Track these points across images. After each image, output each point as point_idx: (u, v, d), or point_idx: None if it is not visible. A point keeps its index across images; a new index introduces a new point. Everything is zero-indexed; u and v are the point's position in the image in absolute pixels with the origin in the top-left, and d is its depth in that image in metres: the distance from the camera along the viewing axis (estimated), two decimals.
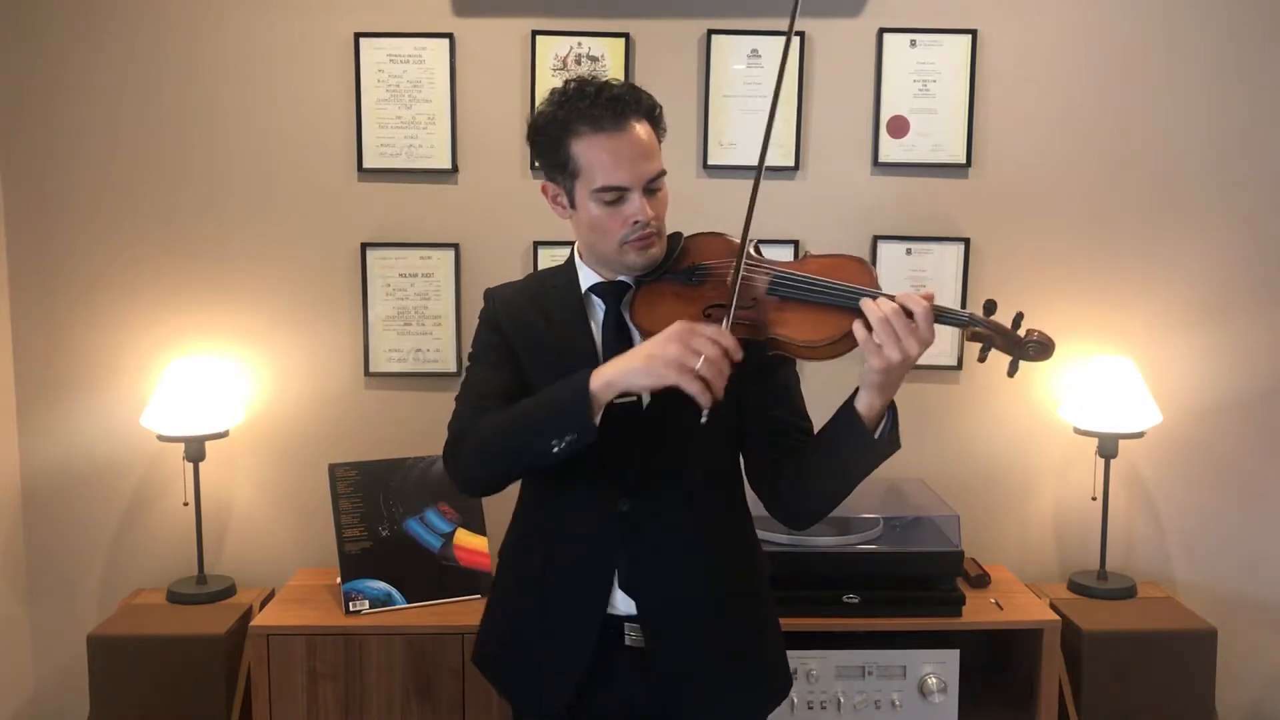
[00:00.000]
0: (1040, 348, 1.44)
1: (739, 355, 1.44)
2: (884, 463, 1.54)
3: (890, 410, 1.50)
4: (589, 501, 1.62)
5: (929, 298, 1.43)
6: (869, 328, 1.43)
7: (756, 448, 1.66)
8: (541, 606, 1.66)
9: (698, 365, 1.40)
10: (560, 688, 1.63)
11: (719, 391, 1.41)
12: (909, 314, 1.41)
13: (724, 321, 1.48)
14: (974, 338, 1.46)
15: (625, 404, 1.59)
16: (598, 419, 1.47)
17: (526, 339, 1.64)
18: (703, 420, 1.42)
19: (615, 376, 1.46)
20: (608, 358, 1.59)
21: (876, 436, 1.49)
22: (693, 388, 1.40)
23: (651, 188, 1.55)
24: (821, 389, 1.74)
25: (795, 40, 2.60)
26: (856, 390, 1.50)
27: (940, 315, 1.44)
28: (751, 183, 1.57)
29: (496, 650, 1.75)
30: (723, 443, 1.67)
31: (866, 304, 1.44)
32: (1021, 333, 1.45)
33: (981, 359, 1.49)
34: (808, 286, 1.52)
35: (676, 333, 1.43)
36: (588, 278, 1.65)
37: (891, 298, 1.44)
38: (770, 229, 2.58)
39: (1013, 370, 1.48)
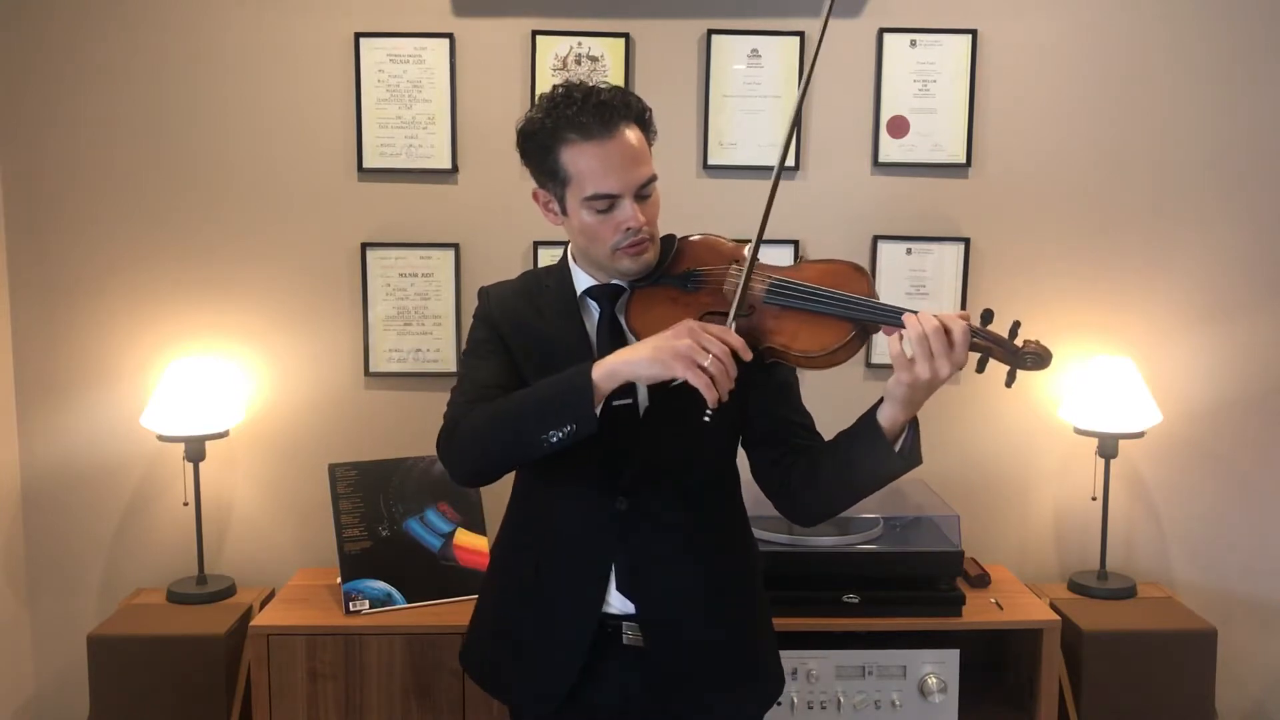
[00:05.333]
0: (1037, 359, 1.42)
1: (748, 355, 1.43)
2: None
3: (912, 424, 1.48)
4: (585, 500, 1.62)
5: (965, 318, 1.41)
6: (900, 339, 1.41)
7: (763, 448, 1.66)
8: (536, 606, 1.66)
9: (706, 362, 1.39)
10: (553, 687, 1.63)
11: (724, 391, 1.40)
12: (948, 333, 1.40)
13: (728, 322, 1.47)
14: (971, 348, 1.44)
15: (620, 407, 1.58)
16: (598, 410, 1.46)
17: (522, 336, 1.64)
18: (706, 419, 1.41)
19: (619, 366, 1.44)
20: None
21: (897, 449, 1.47)
22: (699, 381, 1.39)
23: (643, 193, 1.54)
24: (820, 390, 1.74)
25: (795, 40, 2.60)
26: (880, 401, 1.49)
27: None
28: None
29: (487, 650, 1.74)
30: (721, 442, 1.67)
31: (909, 318, 1.42)
32: (1019, 343, 1.44)
33: (980, 370, 1.47)
34: (805, 295, 1.51)
35: (686, 328, 1.43)
36: (582, 280, 1.64)
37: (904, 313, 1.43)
38: (770, 229, 2.51)
39: (1010, 380, 1.46)
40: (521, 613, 1.68)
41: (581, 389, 1.45)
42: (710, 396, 1.39)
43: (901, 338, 1.42)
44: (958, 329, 1.39)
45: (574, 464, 1.57)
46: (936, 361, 1.39)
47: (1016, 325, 1.45)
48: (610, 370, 1.45)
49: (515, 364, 1.63)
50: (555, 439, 1.46)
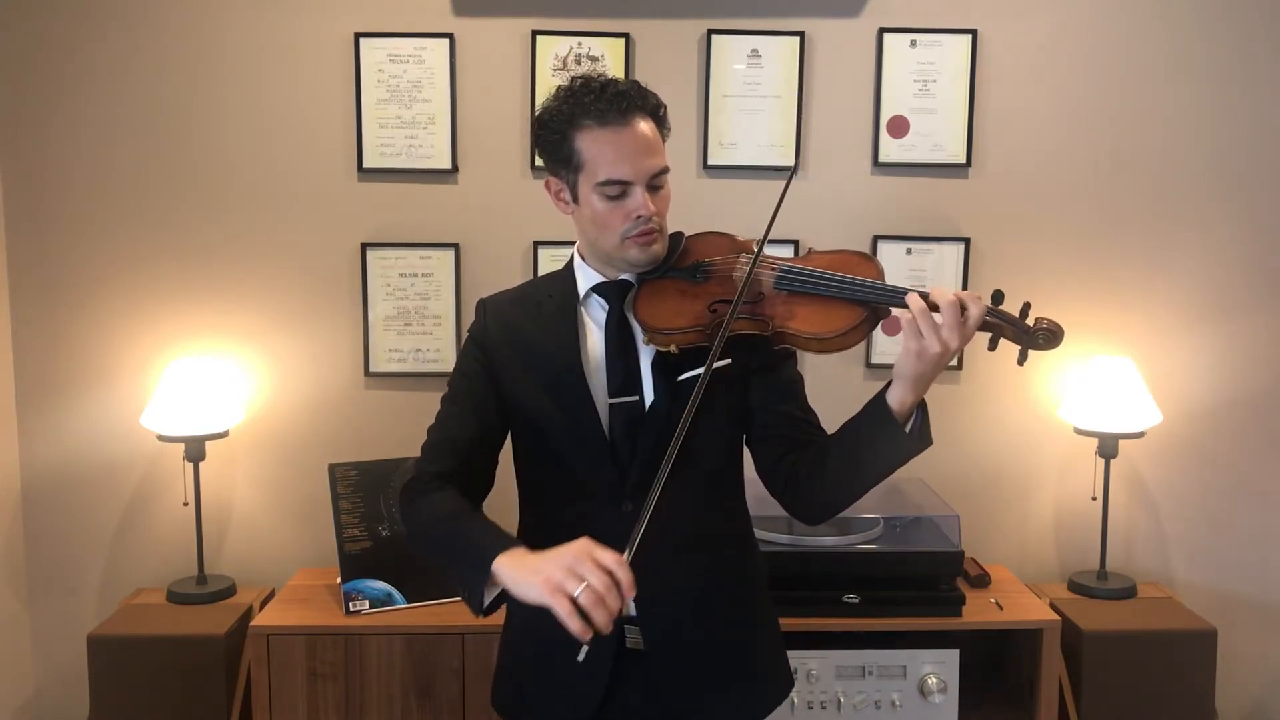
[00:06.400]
0: (1050, 336, 1.43)
1: (632, 592, 1.32)
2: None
3: (921, 405, 1.49)
4: (594, 505, 1.61)
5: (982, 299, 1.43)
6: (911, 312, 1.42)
7: (767, 444, 1.65)
8: (558, 623, 1.65)
9: (576, 592, 1.30)
10: (587, 701, 1.62)
11: (600, 625, 1.29)
12: (963, 309, 1.41)
13: (653, 490, 1.41)
14: (983, 328, 1.45)
15: (627, 404, 1.59)
16: (489, 600, 1.47)
17: (514, 351, 1.65)
18: (579, 658, 1.32)
19: (504, 570, 1.41)
20: (610, 358, 1.61)
21: (907, 431, 1.48)
22: (561, 609, 1.29)
23: (654, 184, 1.56)
24: (822, 387, 1.74)
25: (795, 40, 2.60)
26: (888, 384, 1.49)
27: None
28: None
29: (510, 681, 1.73)
30: (724, 440, 1.67)
31: (931, 291, 1.43)
32: (1030, 321, 1.45)
33: (991, 348, 1.49)
34: (816, 280, 1.53)
35: (570, 554, 1.34)
36: (589, 278, 1.65)
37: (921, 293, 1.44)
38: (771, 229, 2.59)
39: (1022, 359, 1.47)
40: (544, 634, 1.66)
41: (476, 580, 1.44)
42: (573, 626, 1.28)
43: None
44: (974, 307, 1.41)
45: (581, 469, 1.58)
46: (945, 334, 1.40)
47: (1027, 306, 1.46)
48: (496, 569, 1.42)
49: (501, 387, 1.64)
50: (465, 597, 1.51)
